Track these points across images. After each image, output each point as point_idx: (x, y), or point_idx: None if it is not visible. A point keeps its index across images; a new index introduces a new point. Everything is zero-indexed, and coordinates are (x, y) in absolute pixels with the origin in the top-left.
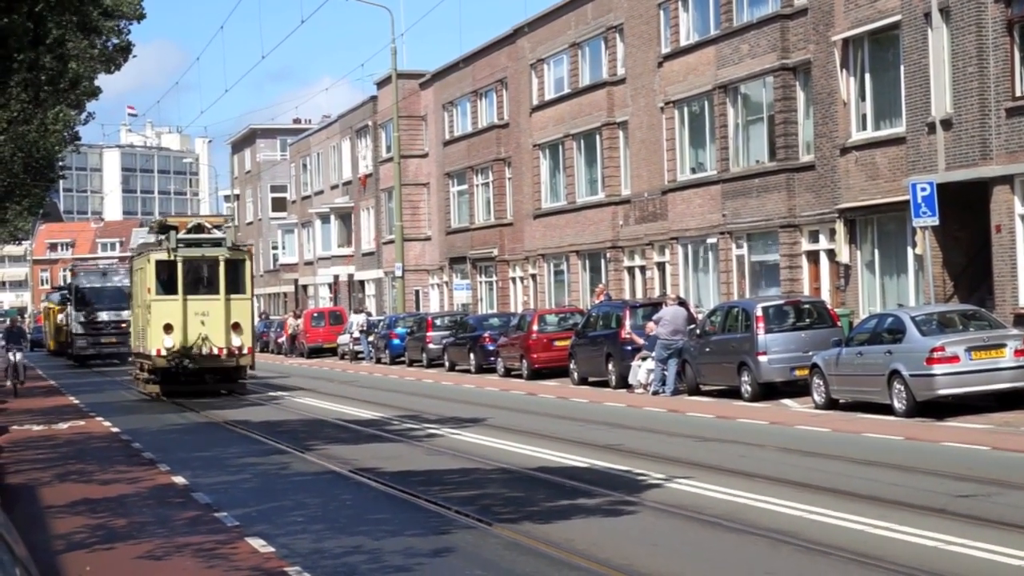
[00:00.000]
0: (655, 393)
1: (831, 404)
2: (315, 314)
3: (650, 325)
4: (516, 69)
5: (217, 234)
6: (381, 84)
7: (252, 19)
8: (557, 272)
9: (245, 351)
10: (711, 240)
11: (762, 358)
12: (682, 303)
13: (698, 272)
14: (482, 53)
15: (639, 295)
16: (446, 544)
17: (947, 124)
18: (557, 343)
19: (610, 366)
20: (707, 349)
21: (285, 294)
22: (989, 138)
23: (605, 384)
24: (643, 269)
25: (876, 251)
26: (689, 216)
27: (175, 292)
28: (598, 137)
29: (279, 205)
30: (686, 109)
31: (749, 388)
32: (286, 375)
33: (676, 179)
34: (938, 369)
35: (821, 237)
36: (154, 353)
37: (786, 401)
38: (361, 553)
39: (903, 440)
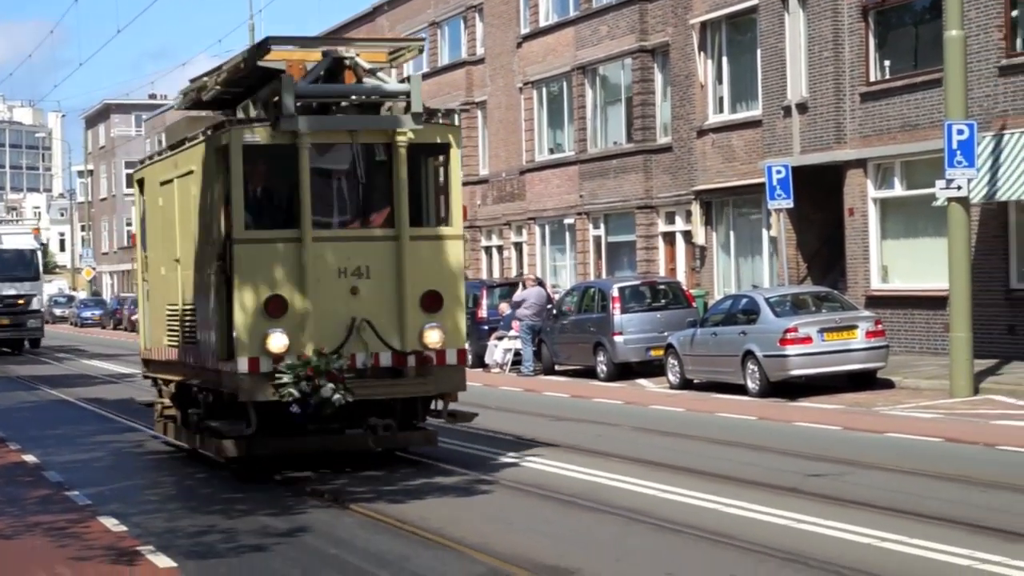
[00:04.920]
0: (525, 372)
1: (686, 384)
2: None
3: (503, 306)
4: None
5: (383, 83)
6: None
7: None
8: None
9: (454, 358)
10: (568, 220)
11: (618, 338)
12: (540, 283)
13: (555, 252)
14: (341, 31)
15: (496, 275)
16: (301, 523)
17: (803, 108)
18: None
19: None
20: (563, 329)
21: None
22: (844, 122)
23: None
24: (500, 249)
25: (731, 233)
26: (547, 196)
27: (290, 223)
28: (456, 117)
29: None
30: (545, 90)
31: (605, 368)
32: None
33: (534, 159)
34: (791, 350)
35: (677, 218)
36: (243, 368)
37: (641, 381)
38: (216, 532)
39: (756, 420)
